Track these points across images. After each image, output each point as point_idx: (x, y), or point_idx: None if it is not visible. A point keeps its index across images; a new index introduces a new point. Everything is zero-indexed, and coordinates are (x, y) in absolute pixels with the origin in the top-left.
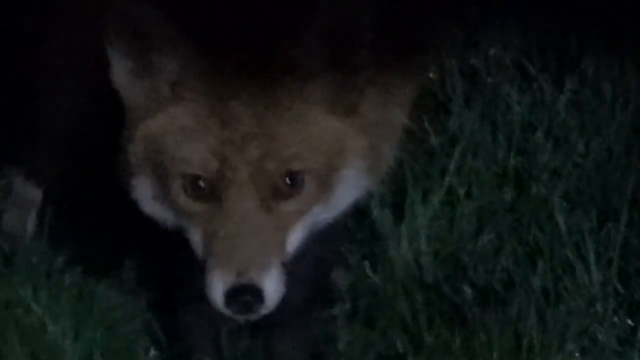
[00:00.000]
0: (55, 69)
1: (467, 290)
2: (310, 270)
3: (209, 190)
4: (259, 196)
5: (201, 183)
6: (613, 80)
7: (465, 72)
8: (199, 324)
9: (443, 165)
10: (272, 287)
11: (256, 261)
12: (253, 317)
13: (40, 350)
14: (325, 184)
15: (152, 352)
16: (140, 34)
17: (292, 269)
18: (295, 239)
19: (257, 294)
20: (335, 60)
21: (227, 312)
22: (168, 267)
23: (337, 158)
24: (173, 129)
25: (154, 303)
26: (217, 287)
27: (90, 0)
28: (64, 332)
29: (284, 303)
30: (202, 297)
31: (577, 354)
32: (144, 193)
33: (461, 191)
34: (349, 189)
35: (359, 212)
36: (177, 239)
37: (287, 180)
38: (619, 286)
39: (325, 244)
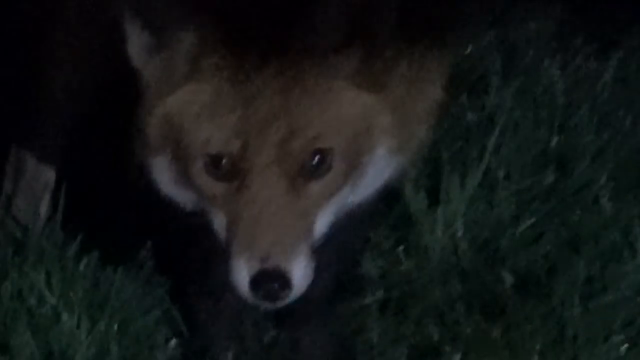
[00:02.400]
0: (67, 46)
1: (507, 278)
2: (338, 256)
3: (232, 171)
4: (285, 177)
5: (223, 163)
6: None
7: (504, 46)
8: (222, 314)
9: (480, 145)
10: (300, 272)
11: (282, 246)
12: (279, 304)
13: (53, 341)
14: (354, 164)
15: (172, 343)
16: (157, 6)
17: (320, 256)
18: (323, 222)
19: (283, 280)
20: (360, 33)
21: (252, 299)
22: (189, 254)
23: (366, 136)
24: (193, 107)
25: (174, 291)
26: (242, 273)
27: None
28: (79, 323)
29: (311, 292)
30: (225, 285)
31: (624, 346)
32: (163, 174)
33: (500, 173)
34: (379, 169)
35: (391, 195)
36: (198, 223)
37: (314, 160)
38: None
39: (354, 228)
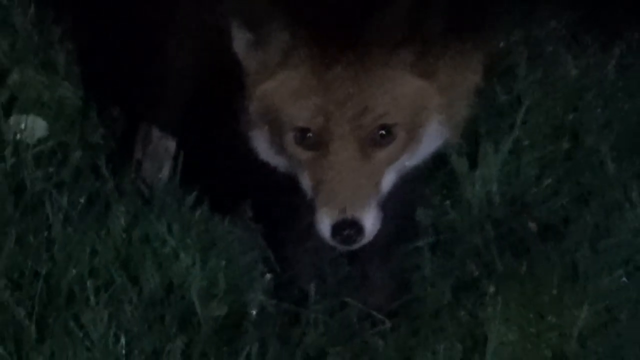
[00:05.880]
0: (186, 42)
1: (531, 226)
2: (399, 208)
3: (316, 141)
4: (358, 146)
5: (309, 135)
6: None
7: (529, 41)
8: (306, 254)
9: (511, 120)
10: (370, 221)
11: (357, 200)
12: (354, 247)
13: (173, 275)
14: (412, 135)
15: (267, 276)
16: (257, 10)
17: (384, 208)
18: (387, 181)
19: (358, 227)
20: (417, 30)
21: (332, 243)
22: (281, 206)
23: (421, 113)
24: (285, 91)
25: (268, 236)
26: (325, 222)
27: None
28: (194, 261)
29: (377, 236)
30: (309, 230)
31: (623, 278)
32: (261, 143)
33: (526, 142)
34: (432, 139)
35: (439, 160)
36: (287, 182)
37: (381, 133)
38: None
39: (411, 186)
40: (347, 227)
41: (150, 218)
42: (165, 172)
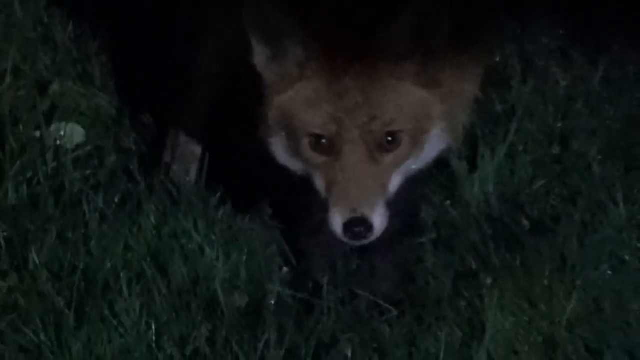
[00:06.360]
0: (211, 52)
1: (525, 223)
2: (404, 207)
3: (329, 146)
4: (367, 151)
5: (323, 141)
6: (636, 61)
7: (522, 55)
8: (320, 248)
9: (506, 127)
10: (379, 219)
11: (366, 200)
12: (364, 243)
13: (199, 268)
14: (416, 141)
15: (285, 269)
16: (274, 27)
17: (391, 207)
18: (394, 183)
19: (367, 225)
20: (420, 44)
21: (344, 239)
22: (297, 205)
23: (425, 121)
24: (301, 100)
25: (286, 232)
26: (337, 220)
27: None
28: (217, 255)
29: (384, 233)
30: (322, 227)
31: (608, 271)
32: (279, 148)
33: (520, 147)
34: (434, 144)
35: (441, 163)
36: (302, 183)
37: (388, 139)
38: None
39: (416, 187)
40: (358, 225)
41: (178, 216)
42: (192, 174)
